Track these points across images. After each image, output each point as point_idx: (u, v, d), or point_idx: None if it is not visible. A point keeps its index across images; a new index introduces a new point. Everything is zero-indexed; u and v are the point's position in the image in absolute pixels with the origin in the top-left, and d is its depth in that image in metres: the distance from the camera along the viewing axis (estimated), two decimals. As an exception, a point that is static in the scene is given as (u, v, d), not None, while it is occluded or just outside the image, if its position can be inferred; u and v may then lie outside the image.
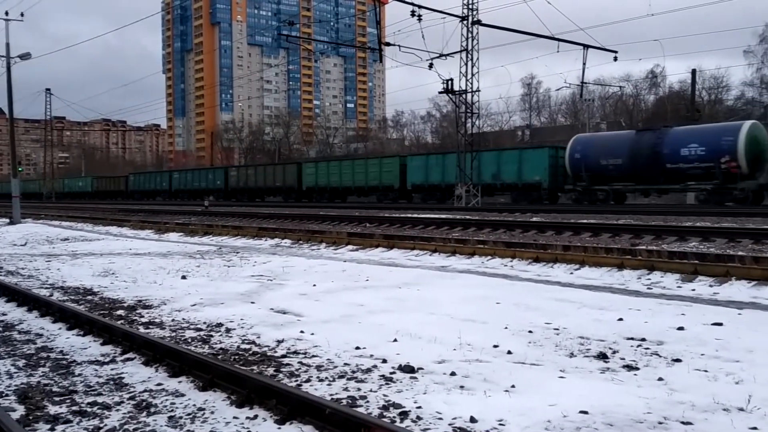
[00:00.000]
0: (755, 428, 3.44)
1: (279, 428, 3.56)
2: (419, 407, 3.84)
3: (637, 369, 4.63)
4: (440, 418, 3.66)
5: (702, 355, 4.95)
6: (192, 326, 6.25)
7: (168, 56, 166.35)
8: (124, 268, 10.91)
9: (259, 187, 51.56)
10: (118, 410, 3.89)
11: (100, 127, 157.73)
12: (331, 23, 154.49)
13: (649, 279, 8.90)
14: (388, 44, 32.10)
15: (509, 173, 34.03)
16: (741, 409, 3.73)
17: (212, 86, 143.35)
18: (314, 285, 8.72)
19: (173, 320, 6.55)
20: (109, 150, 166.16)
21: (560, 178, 32.71)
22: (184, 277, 9.71)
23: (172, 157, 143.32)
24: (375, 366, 4.74)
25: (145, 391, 4.26)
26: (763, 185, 26.85)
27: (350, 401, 3.97)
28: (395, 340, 5.50)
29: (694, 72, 45.95)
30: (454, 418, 3.64)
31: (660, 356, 4.94)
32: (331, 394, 4.10)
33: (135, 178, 70.72)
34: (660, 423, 3.54)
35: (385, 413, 3.75)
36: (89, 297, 8.08)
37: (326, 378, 4.48)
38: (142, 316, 6.77)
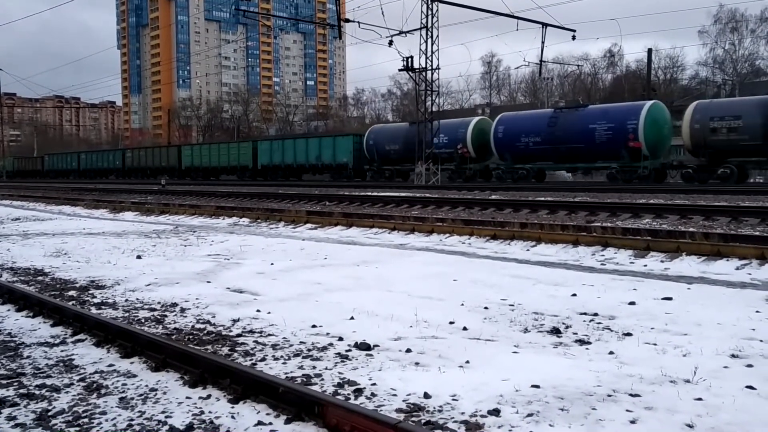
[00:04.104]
0: (700, 398, 3.53)
1: (232, 407, 3.53)
2: (374, 384, 3.85)
3: (589, 343, 4.71)
4: (394, 395, 3.67)
5: (652, 329, 5.06)
6: (146, 306, 6.15)
7: (123, 31, 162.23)
8: (77, 248, 10.68)
9: (149, 167, 58.65)
10: (67, 392, 3.81)
11: (52, 104, 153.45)
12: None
13: (603, 255, 9.06)
14: (347, 20, 31.84)
15: (327, 156, 41.75)
16: (687, 381, 3.82)
17: (169, 62, 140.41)
18: (272, 264, 8.66)
19: (127, 300, 6.44)
20: (63, 128, 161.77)
21: (363, 160, 40.34)
22: (139, 257, 9.55)
23: (128, 134, 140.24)
24: (331, 344, 4.73)
25: (96, 372, 4.19)
26: (488, 166, 35.39)
27: (305, 379, 3.96)
28: (352, 318, 5.50)
29: (650, 51, 46.66)
30: (409, 395, 3.66)
31: (611, 331, 5.04)
32: (286, 373, 4.08)
33: (50, 158, 77.44)
34: (609, 396, 3.61)
35: (339, 391, 3.75)
36: (40, 278, 7.89)
37: (282, 356, 4.46)
38: (95, 297, 6.64)
